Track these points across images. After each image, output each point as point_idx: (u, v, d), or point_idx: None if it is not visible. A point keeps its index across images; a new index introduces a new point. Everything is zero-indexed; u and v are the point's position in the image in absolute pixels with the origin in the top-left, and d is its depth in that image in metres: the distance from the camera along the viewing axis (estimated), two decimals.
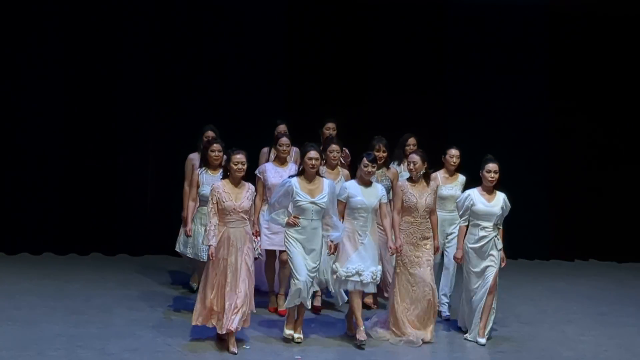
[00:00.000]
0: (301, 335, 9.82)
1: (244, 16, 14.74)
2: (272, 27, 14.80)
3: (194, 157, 11.28)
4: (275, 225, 10.16)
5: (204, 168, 10.71)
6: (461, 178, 11.13)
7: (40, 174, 14.13)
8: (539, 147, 15.17)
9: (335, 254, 9.78)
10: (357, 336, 9.78)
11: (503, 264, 10.06)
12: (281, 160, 10.96)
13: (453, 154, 11.06)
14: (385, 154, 10.93)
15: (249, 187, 9.51)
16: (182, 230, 11.14)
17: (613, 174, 15.56)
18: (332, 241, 9.67)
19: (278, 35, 14.84)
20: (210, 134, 11.19)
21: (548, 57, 15.29)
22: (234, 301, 9.30)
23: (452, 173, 11.11)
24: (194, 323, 9.60)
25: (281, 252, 10.66)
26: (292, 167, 10.85)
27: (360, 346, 9.73)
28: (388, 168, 11.08)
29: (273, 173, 10.83)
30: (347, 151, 11.37)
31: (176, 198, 14.43)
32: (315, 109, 13.90)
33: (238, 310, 9.31)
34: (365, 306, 10.79)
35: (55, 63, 14.16)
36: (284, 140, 10.92)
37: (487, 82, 15.18)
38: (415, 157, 10.13)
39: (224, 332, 9.37)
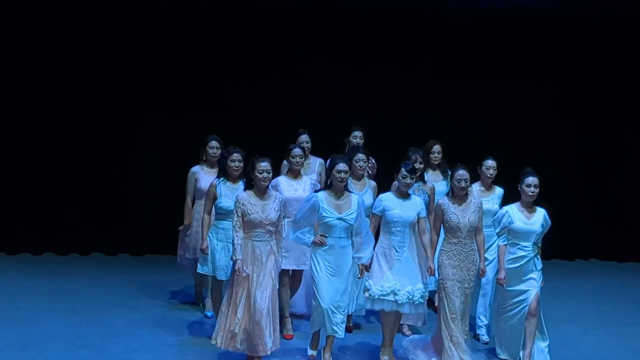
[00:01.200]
0: None
1: (260, 15, 14.68)
2: (292, 29, 14.74)
3: (197, 170, 10.73)
4: (289, 243, 9.51)
5: (222, 179, 9.77)
6: (498, 191, 10.46)
7: (41, 175, 14.16)
8: (536, 145, 15.07)
9: (369, 272, 9.09)
10: (381, 357, 9.32)
11: (542, 284, 9.33)
12: (294, 173, 10.14)
13: (490, 166, 10.40)
14: (421, 166, 10.17)
15: (275, 197, 8.88)
16: (184, 241, 10.65)
17: (612, 173, 15.58)
18: (362, 264, 8.99)
19: (297, 38, 14.74)
20: (214, 144, 10.67)
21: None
22: (261, 323, 8.64)
23: (489, 186, 10.46)
24: (213, 342, 8.94)
25: (294, 271, 10.24)
26: (307, 180, 10.22)
27: None
28: (425, 182, 10.29)
29: (286, 187, 10.04)
30: (373, 161, 10.84)
31: (177, 198, 14.43)
32: (342, 116, 13.53)
33: (265, 333, 8.69)
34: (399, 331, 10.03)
35: (63, 64, 14.25)
36: (297, 151, 10.11)
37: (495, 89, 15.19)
38: (465, 173, 9.21)
39: (254, 355, 8.77)
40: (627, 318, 11.47)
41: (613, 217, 15.46)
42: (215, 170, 10.30)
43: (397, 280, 9.01)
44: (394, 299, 9.00)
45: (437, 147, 10.93)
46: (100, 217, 14.24)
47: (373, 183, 10.25)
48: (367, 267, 9.02)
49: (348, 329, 10.04)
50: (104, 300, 11.56)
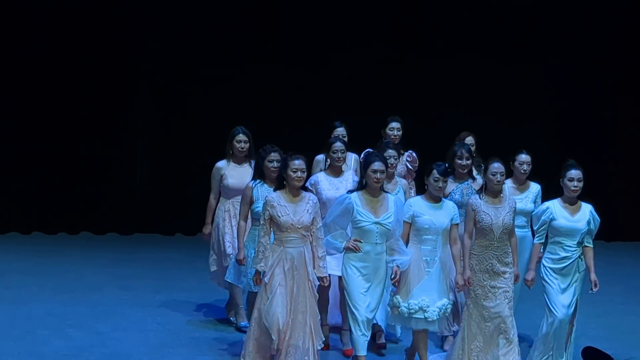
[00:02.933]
0: None
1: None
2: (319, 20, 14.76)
3: (222, 166, 9.74)
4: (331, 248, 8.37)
5: (258, 181, 8.95)
6: (534, 187, 9.44)
7: (30, 153, 14.17)
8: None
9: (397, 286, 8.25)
10: None
11: (595, 289, 8.32)
12: (335, 170, 9.20)
13: (523, 160, 9.30)
14: (469, 162, 9.16)
15: (309, 198, 7.99)
16: (232, 257, 9.43)
17: (602, 153, 15.50)
18: (398, 266, 8.13)
19: (335, 30, 14.81)
20: (242, 137, 9.69)
21: None
22: (299, 338, 7.91)
23: (522, 182, 9.39)
24: None
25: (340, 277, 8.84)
26: (349, 177, 9.25)
27: None
28: (474, 179, 9.23)
29: (327, 185, 9.12)
30: (414, 155, 9.87)
31: (165, 177, 14.44)
32: (381, 108, 12.84)
33: (303, 349, 7.92)
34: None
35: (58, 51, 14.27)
36: (338, 145, 9.12)
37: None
38: (501, 166, 8.32)
39: None
40: (614, 297, 11.53)
41: (601, 196, 15.40)
42: (243, 167, 9.61)
43: (427, 295, 8.15)
44: (423, 317, 8.14)
45: (470, 139, 9.89)
46: (89, 196, 14.25)
47: (404, 182, 9.40)
48: (400, 274, 8.21)
49: (381, 346, 9.22)
50: (93, 280, 11.61)
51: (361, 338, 8.13)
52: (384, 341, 9.23)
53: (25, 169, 14.20)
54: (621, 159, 15.60)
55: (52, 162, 14.26)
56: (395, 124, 9.98)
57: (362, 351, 8.14)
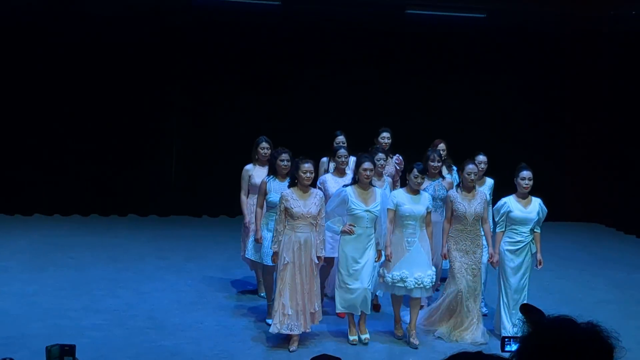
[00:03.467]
0: (367, 335, 8.50)
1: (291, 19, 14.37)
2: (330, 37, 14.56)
3: (250, 168, 9.63)
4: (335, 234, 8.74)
5: (272, 176, 9.05)
6: (488, 182, 9.60)
7: (88, 151, 14.08)
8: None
9: (384, 260, 8.49)
10: (396, 332, 8.71)
11: (539, 266, 8.65)
12: (340, 172, 9.40)
13: (481, 160, 9.43)
14: (439, 165, 9.32)
15: (316, 193, 8.33)
16: (250, 237, 9.26)
17: (570, 133, 15.30)
18: (380, 250, 8.41)
19: (337, 45, 14.62)
20: (265, 145, 9.65)
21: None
22: (307, 304, 8.15)
23: (479, 178, 9.33)
24: (272, 330, 8.12)
25: (327, 257, 9.11)
26: (350, 178, 9.27)
27: (405, 341, 8.57)
28: (444, 177, 9.47)
29: (333, 184, 9.22)
30: (401, 158, 10.01)
31: (195, 172, 14.65)
32: (376, 117, 12.93)
33: (310, 312, 8.17)
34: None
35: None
36: (342, 152, 9.38)
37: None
38: (474, 167, 8.71)
39: (299, 332, 8.17)
40: (546, 264, 11.39)
41: (566, 179, 14.98)
42: (266, 168, 9.50)
43: (407, 268, 8.38)
44: (403, 285, 8.40)
45: (442, 145, 9.99)
46: (134, 185, 14.37)
47: (390, 179, 9.58)
48: (382, 254, 8.42)
49: (375, 308, 9.40)
50: (138, 251, 11.86)
51: (354, 300, 8.35)
52: (377, 303, 9.53)
53: (85, 163, 14.22)
54: (565, 159, 15.54)
55: (106, 157, 14.28)
56: (385, 134, 10.07)
57: (367, 310, 8.46)
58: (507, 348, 3.77)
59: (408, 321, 8.71)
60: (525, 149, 13.69)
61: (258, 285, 9.99)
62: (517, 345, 2.42)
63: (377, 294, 9.13)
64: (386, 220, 8.43)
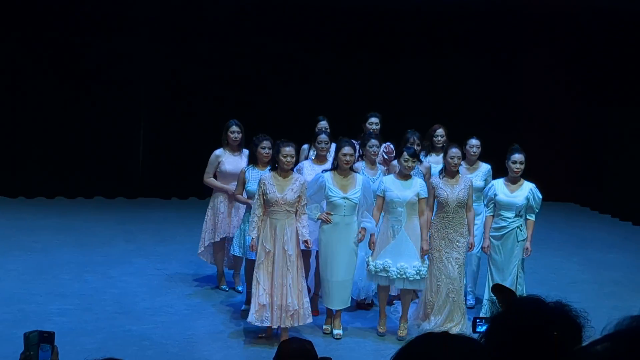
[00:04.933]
0: (340, 332, 8.24)
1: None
2: (312, 23, 14.24)
3: (220, 153, 9.32)
4: (311, 226, 8.29)
5: (251, 165, 8.76)
6: (484, 167, 9.25)
7: (52, 125, 13.89)
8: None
9: (370, 247, 8.32)
10: (378, 328, 8.45)
11: (526, 255, 8.46)
12: (320, 159, 8.95)
13: (473, 144, 9.16)
14: (419, 148, 9.02)
15: (296, 179, 7.94)
16: (235, 232, 9.00)
17: (549, 115, 15.19)
18: (364, 228, 8.18)
19: (321, 29, 14.30)
20: (235, 128, 9.29)
21: None
22: (285, 297, 7.78)
23: (472, 162, 9.20)
24: (249, 320, 7.87)
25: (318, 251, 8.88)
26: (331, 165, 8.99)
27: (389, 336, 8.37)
28: (421, 162, 9.04)
29: (310, 171, 8.78)
30: (391, 147, 9.36)
31: (163, 153, 14.56)
32: (361, 103, 12.58)
33: (286, 309, 7.79)
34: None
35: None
36: (323, 137, 8.95)
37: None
38: (458, 151, 8.42)
39: (275, 326, 7.91)
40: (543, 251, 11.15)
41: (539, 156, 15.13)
42: (237, 154, 9.28)
43: (390, 257, 8.13)
44: (386, 275, 8.15)
45: (440, 131, 9.51)
46: (101, 167, 14.19)
47: (384, 169, 9.09)
48: (366, 235, 8.22)
49: (365, 307, 9.10)
50: (105, 235, 11.78)
51: (330, 292, 8.20)
52: (366, 300, 9.13)
53: (49, 144, 14.03)
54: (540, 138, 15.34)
55: (71, 138, 14.10)
56: (374, 119, 9.68)
57: (343, 305, 8.25)
58: (479, 329, 3.79)
59: (398, 315, 8.55)
60: (509, 132, 13.58)
61: (219, 278, 9.55)
62: (487, 325, 2.44)
63: (368, 294, 8.95)
64: (372, 208, 8.23)
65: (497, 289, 2.74)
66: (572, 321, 2.36)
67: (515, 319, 2.36)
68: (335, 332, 8.24)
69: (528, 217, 8.45)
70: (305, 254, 8.66)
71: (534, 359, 2.29)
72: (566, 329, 2.33)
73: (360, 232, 8.17)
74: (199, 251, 9.45)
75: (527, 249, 8.42)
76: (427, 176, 8.90)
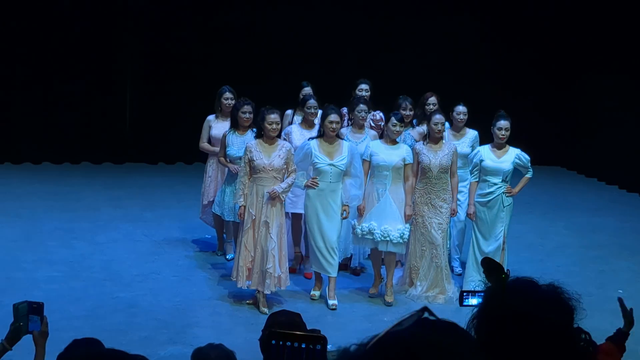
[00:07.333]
0: (335, 302, 8.19)
1: None
2: None
3: (211, 119, 9.41)
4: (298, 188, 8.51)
5: (232, 130, 8.84)
6: (471, 133, 9.22)
7: (38, 96, 13.87)
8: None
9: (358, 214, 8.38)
10: (370, 289, 8.57)
11: (508, 194, 8.37)
12: (308, 123, 8.92)
13: (460, 111, 9.11)
14: (411, 113, 9.11)
15: (282, 145, 8.00)
16: (218, 190, 9.16)
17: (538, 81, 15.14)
18: (346, 204, 8.22)
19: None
20: (228, 95, 9.33)
21: None
22: (265, 263, 7.83)
23: (459, 129, 9.20)
24: (236, 282, 8.01)
25: (295, 214, 9.04)
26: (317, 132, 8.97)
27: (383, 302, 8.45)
28: (413, 127, 9.19)
29: (298, 135, 8.80)
30: (380, 115, 9.27)
31: (150, 117, 14.51)
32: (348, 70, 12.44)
33: (267, 274, 7.81)
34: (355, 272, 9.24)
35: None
36: (312, 102, 8.85)
37: None
38: (442, 117, 8.48)
39: (256, 289, 8.02)
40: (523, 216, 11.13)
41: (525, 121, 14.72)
42: (228, 122, 9.17)
43: (375, 220, 8.21)
44: (371, 238, 8.24)
45: (432, 99, 9.37)
46: (88, 132, 14.16)
47: (373, 133, 8.98)
48: (360, 210, 8.30)
49: (355, 272, 9.17)
50: (92, 201, 11.76)
51: (326, 262, 8.19)
52: (356, 266, 9.22)
53: (35, 109, 13.97)
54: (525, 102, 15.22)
55: (57, 103, 14.03)
56: (364, 85, 9.54)
57: (333, 273, 8.23)
58: (466, 302, 3.79)
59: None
60: (495, 95, 13.67)
61: (219, 243, 9.63)
62: (477, 299, 2.43)
63: (352, 252, 9.03)
64: (358, 174, 8.23)
65: (487, 264, 2.71)
66: (564, 304, 2.35)
67: (507, 302, 2.32)
68: (331, 302, 8.20)
69: (526, 175, 8.50)
70: (296, 217, 8.93)
71: (526, 345, 2.27)
72: (559, 311, 2.32)
73: (344, 210, 8.21)
74: (200, 216, 9.70)
75: (510, 189, 8.36)
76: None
